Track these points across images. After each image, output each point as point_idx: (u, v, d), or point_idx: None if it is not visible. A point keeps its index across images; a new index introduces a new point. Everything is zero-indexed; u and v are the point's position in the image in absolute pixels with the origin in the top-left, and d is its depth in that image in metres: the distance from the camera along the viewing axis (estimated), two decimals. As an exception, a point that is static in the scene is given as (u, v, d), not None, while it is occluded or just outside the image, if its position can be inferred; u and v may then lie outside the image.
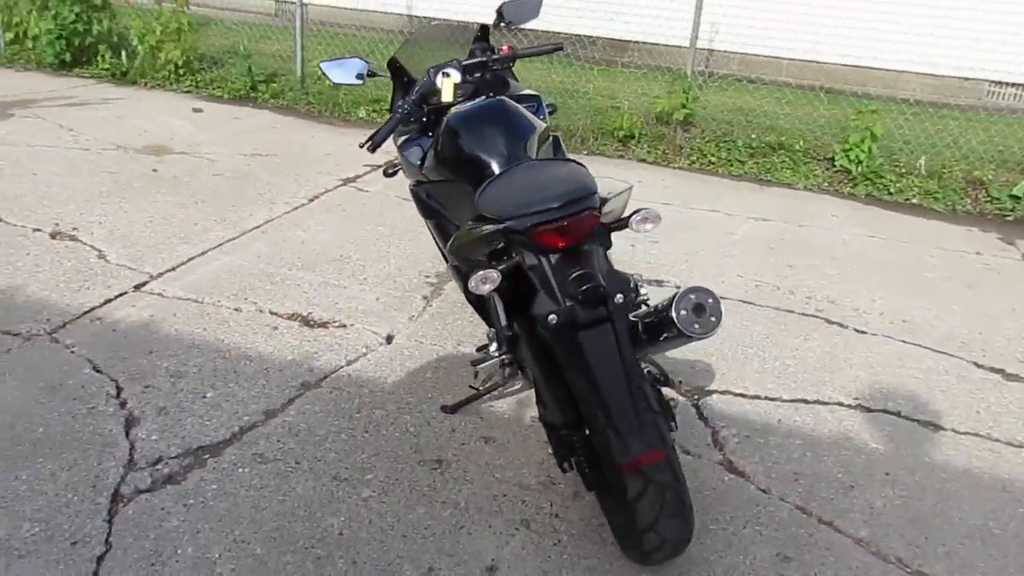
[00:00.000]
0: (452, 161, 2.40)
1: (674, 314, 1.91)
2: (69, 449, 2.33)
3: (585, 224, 1.67)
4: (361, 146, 2.77)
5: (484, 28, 2.88)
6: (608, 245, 1.95)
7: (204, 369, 2.78)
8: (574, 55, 6.39)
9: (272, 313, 3.19)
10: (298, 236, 3.96)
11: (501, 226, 1.78)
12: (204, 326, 3.06)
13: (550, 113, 3.07)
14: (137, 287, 3.33)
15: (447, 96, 2.72)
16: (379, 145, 2.76)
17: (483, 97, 2.56)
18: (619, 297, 1.66)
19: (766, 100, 6.10)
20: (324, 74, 2.91)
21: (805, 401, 2.86)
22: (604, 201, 1.85)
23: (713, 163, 5.63)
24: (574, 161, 2.03)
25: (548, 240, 1.69)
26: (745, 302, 3.58)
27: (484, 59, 2.70)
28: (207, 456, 2.36)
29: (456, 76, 2.77)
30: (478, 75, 2.75)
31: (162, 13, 6.80)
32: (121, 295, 3.25)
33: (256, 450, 2.39)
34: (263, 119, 6.18)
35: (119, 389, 2.64)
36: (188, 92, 6.77)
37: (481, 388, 2.62)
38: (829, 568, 2.11)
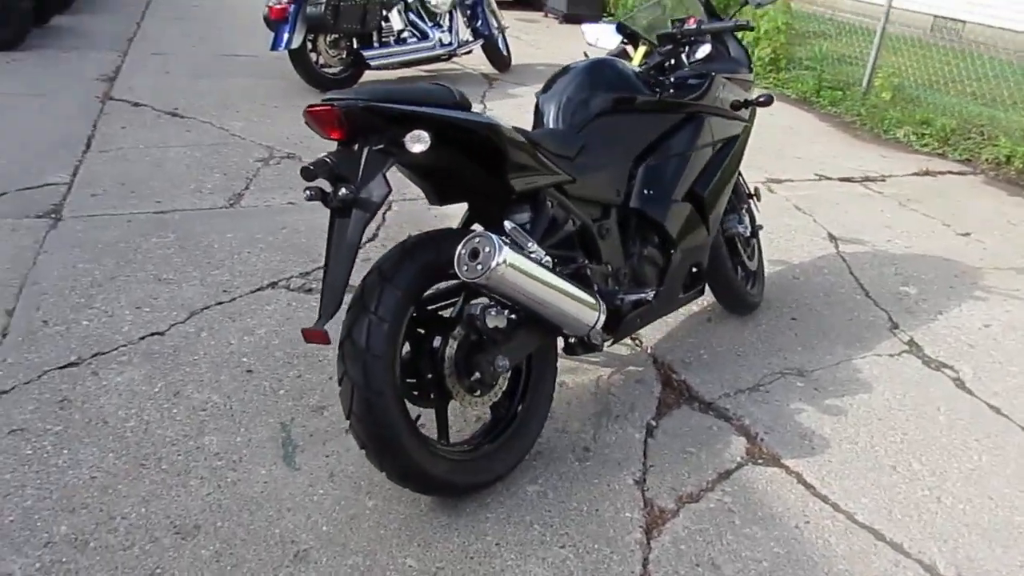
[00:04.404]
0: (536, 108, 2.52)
1: (455, 251, 1.85)
2: (294, 253, 3.36)
3: (318, 116, 1.75)
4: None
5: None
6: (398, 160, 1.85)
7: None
8: None
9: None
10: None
11: None
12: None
13: (763, 103, 2.75)
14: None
15: (635, 62, 2.80)
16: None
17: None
18: (343, 192, 1.74)
19: None
20: (582, 33, 3.19)
21: (886, 540, 2.05)
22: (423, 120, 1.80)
23: None
24: (447, 87, 1.96)
25: (310, 124, 1.83)
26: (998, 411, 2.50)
27: (674, 31, 2.69)
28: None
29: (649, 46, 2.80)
30: (669, 47, 2.71)
31: (766, 12, 7.19)
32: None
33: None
34: (789, 118, 6.22)
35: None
36: (766, 88, 7.11)
37: None
38: None
